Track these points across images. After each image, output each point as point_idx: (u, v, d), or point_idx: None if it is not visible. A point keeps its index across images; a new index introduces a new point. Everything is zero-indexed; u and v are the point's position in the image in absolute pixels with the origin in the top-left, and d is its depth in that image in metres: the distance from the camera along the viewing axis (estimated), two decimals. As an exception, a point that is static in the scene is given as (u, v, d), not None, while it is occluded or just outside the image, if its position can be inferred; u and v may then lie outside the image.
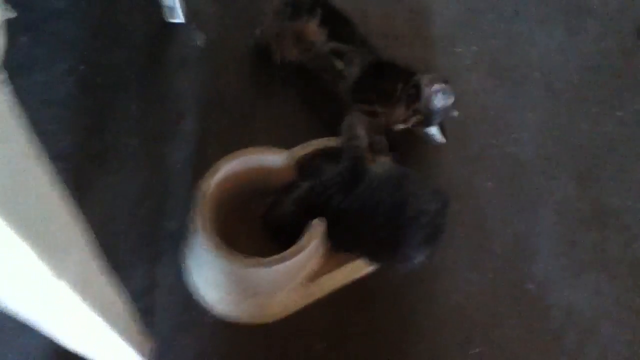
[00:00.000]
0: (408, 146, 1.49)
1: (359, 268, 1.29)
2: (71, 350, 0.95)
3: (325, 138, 1.35)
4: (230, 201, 1.27)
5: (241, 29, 1.63)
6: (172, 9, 1.60)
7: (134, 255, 1.31)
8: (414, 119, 1.42)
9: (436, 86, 1.38)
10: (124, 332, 0.96)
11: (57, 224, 0.67)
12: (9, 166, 0.52)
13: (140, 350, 1.09)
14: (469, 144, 1.52)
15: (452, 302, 1.31)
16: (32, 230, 0.56)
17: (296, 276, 1.21)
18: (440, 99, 1.38)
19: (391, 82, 1.43)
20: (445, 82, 1.39)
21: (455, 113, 1.53)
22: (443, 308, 1.30)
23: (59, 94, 1.51)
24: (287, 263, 1.12)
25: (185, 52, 1.61)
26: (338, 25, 1.50)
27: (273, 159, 1.28)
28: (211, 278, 1.21)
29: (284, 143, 1.33)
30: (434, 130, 1.45)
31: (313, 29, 1.47)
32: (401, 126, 1.43)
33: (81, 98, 1.52)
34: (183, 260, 1.28)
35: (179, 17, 1.61)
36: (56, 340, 0.88)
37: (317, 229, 1.16)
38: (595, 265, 1.37)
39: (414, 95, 1.40)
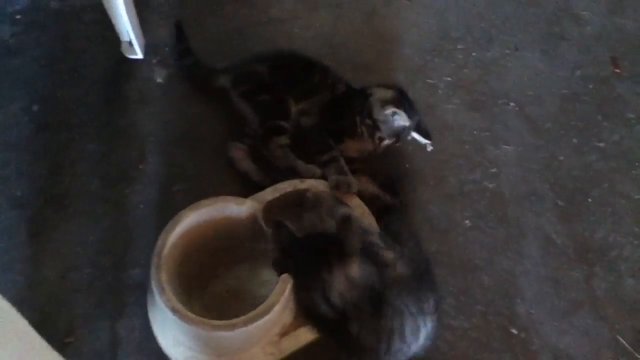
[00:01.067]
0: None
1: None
2: None
3: (291, 181, 1.29)
4: (196, 253, 1.21)
5: (207, 60, 1.55)
6: (130, 45, 1.52)
7: (97, 309, 1.24)
8: (384, 144, 1.39)
9: (388, 111, 1.34)
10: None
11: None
12: None
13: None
14: (446, 180, 1.47)
15: (436, 350, 1.24)
16: None
17: (268, 333, 1.14)
18: (398, 120, 1.35)
19: (348, 117, 1.40)
20: (396, 98, 1.37)
21: (430, 148, 1.48)
22: (427, 357, 1.22)
23: (12, 136, 1.43)
24: (258, 323, 1.06)
25: (145, 88, 1.53)
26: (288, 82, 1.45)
27: (236, 209, 1.21)
28: (175, 336, 1.14)
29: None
30: (415, 136, 1.42)
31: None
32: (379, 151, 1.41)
33: (36, 139, 1.44)
34: (149, 316, 1.20)
35: (137, 53, 1.53)
36: None
37: (285, 284, 1.11)
38: (581, 304, 1.33)
39: (372, 126, 1.37)
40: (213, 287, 1.24)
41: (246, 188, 1.31)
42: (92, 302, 1.24)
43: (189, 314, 1.06)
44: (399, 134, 1.38)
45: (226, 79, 1.47)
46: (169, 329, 1.14)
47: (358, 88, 1.46)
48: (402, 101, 1.37)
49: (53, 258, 1.26)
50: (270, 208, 1.24)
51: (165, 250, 1.11)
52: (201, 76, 1.53)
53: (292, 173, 1.34)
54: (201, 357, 1.13)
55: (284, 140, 1.38)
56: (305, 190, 1.27)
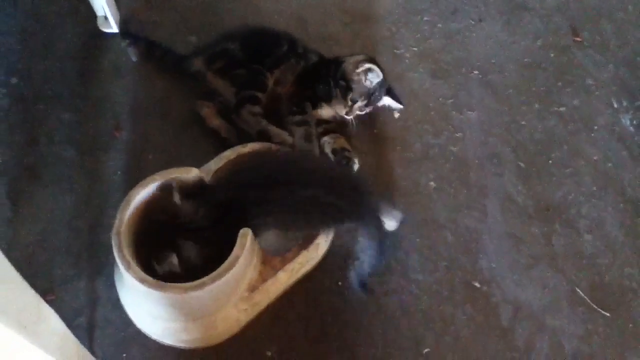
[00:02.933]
0: (354, 144, 1.49)
1: (297, 269, 1.27)
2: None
3: (237, 147, 1.32)
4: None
5: (177, 34, 1.59)
6: (105, 19, 1.55)
7: (75, 270, 1.27)
8: (356, 107, 1.43)
9: (361, 68, 1.39)
10: (56, 351, 0.91)
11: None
12: None
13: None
14: (411, 144, 1.52)
15: (401, 303, 1.30)
16: None
17: (236, 290, 1.18)
18: (371, 78, 1.39)
19: (324, 81, 1.45)
20: (369, 59, 1.42)
21: (397, 115, 1.53)
22: (393, 309, 1.29)
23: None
24: (224, 278, 1.08)
25: (120, 61, 1.57)
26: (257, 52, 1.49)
27: (185, 178, 1.21)
28: (149, 310, 1.16)
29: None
30: (386, 102, 1.47)
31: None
32: (350, 117, 1.44)
33: (14, 111, 1.47)
34: (120, 296, 1.23)
35: (112, 27, 1.56)
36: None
37: (245, 238, 1.12)
38: (541, 259, 1.39)
39: (345, 87, 1.41)
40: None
41: (217, 149, 1.34)
42: (70, 263, 1.28)
43: (159, 281, 1.07)
44: (371, 95, 1.41)
45: (199, 62, 1.50)
46: (142, 304, 1.17)
47: (331, 58, 1.50)
48: (374, 61, 1.42)
49: (31, 222, 1.30)
50: (218, 177, 1.25)
51: (123, 228, 1.12)
52: (174, 65, 1.54)
53: (264, 139, 1.38)
54: (178, 325, 1.17)
55: (257, 109, 1.41)
56: (248, 153, 1.31)
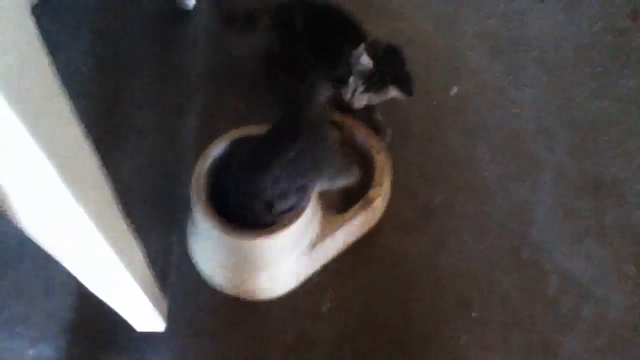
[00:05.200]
0: (411, 116, 1.54)
1: (354, 230, 1.34)
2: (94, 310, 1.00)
3: None
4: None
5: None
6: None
7: (150, 221, 1.37)
8: (358, 93, 1.39)
9: (356, 52, 1.36)
10: (142, 282, 1.01)
11: (79, 153, 0.71)
12: (40, 93, 0.57)
13: (157, 305, 1.15)
14: (468, 117, 1.57)
15: (452, 266, 1.36)
16: (59, 155, 0.60)
17: (300, 243, 1.25)
18: (363, 60, 1.35)
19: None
20: (371, 43, 1.38)
21: (455, 89, 1.59)
22: (443, 271, 1.35)
23: (79, 72, 1.57)
24: (290, 228, 1.16)
25: (197, 33, 1.66)
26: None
27: (259, 133, 1.27)
28: (218, 259, 1.25)
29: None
30: (392, 92, 1.39)
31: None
32: (361, 103, 1.42)
33: (99, 73, 1.58)
34: (189, 247, 1.33)
35: (188, 5, 1.66)
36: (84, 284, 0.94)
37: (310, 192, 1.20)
38: (590, 233, 1.42)
39: (347, 71, 1.39)
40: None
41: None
42: (147, 215, 1.37)
43: (231, 227, 1.15)
44: (368, 79, 1.37)
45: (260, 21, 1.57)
46: (211, 253, 1.25)
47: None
48: (377, 47, 1.39)
49: (113, 174, 1.38)
50: None
51: (202, 178, 1.20)
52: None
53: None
54: (244, 276, 1.25)
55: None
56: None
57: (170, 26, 1.68)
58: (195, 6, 1.69)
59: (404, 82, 1.37)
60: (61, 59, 1.57)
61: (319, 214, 1.27)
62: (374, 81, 1.37)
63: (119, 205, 0.87)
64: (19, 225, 0.73)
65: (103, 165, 0.75)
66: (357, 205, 1.31)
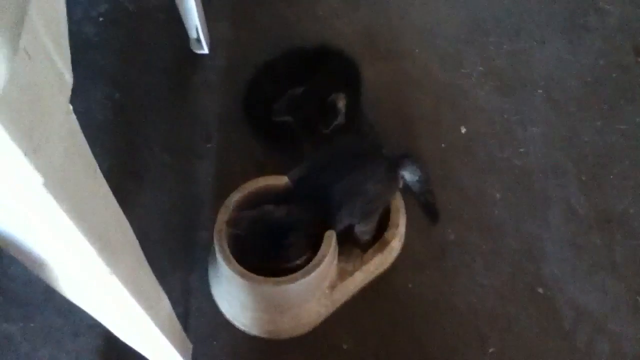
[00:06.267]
0: (422, 156, 1.57)
1: (372, 270, 1.38)
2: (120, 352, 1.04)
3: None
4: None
5: (262, 52, 1.73)
6: (197, 41, 1.71)
7: (170, 264, 1.42)
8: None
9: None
10: (167, 331, 1.05)
11: (113, 224, 0.76)
12: (76, 177, 0.62)
13: (181, 350, 1.18)
14: (477, 157, 1.61)
15: (467, 304, 1.39)
16: (93, 229, 0.65)
17: (320, 286, 1.30)
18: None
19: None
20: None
21: (464, 129, 1.63)
22: (459, 309, 1.38)
23: (97, 119, 1.63)
24: (312, 275, 1.20)
25: (210, 78, 1.72)
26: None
27: (277, 185, 1.32)
28: (242, 301, 1.29)
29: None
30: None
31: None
32: None
33: (117, 122, 1.64)
34: (212, 289, 1.38)
35: (204, 48, 1.72)
36: (111, 333, 0.98)
37: (330, 238, 1.24)
38: (602, 267, 1.45)
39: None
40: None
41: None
42: (167, 258, 1.42)
43: (255, 275, 1.19)
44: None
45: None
46: (235, 296, 1.29)
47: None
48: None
49: (133, 220, 1.44)
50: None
51: (223, 226, 1.24)
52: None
53: None
54: (266, 316, 1.30)
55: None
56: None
57: (185, 72, 1.74)
58: (210, 52, 1.75)
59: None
60: (79, 108, 1.60)
61: (335, 259, 1.31)
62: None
63: (144, 257, 0.91)
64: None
65: (125, 213, 0.79)
66: (374, 247, 1.36)
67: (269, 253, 1.21)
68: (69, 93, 0.58)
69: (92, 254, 0.65)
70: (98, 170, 0.68)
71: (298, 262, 1.20)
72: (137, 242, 0.86)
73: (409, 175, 1.39)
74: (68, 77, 0.57)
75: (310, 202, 1.24)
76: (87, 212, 0.63)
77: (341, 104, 1.49)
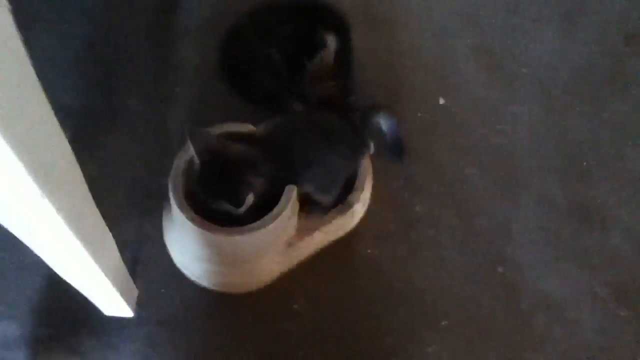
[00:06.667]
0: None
1: (332, 232, 1.35)
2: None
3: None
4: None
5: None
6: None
7: (128, 208, 1.38)
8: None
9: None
10: (111, 273, 1.01)
11: (51, 145, 0.71)
12: (7, 82, 0.57)
13: (126, 293, 1.15)
14: (457, 132, 1.57)
15: (426, 277, 1.36)
16: (24, 144, 0.60)
17: (277, 241, 1.26)
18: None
19: None
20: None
21: (442, 101, 1.59)
22: (419, 281, 1.36)
23: (65, 54, 1.57)
24: (269, 227, 1.16)
25: (190, 22, 1.67)
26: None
27: (242, 133, 1.28)
28: (194, 251, 1.25)
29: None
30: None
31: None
32: None
33: (86, 59, 1.58)
34: (164, 237, 1.34)
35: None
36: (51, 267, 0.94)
37: (291, 193, 1.20)
38: (568, 255, 1.42)
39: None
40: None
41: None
42: (125, 203, 1.39)
43: (208, 223, 1.15)
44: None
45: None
46: (187, 246, 1.24)
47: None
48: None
49: (94, 163, 1.39)
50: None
51: (181, 170, 1.20)
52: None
53: None
54: (219, 269, 1.25)
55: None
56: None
57: (165, 16, 1.69)
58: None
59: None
60: (45, 39, 1.56)
61: (295, 216, 1.27)
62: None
63: (92, 195, 0.87)
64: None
65: (84, 153, 0.75)
66: (336, 208, 1.32)
67: (218, 189, 1.14)
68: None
69: (20, 169, 0.61)
70: (37, 83, 0.63)
71: (242, 210, 1.13)
72: (79, 171, 0.82)
73: (383, 120, 1.38)
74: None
75: (273, 157, 1.20)
76: (17, 122, 0.58)
77: (331, 41, 1.45)
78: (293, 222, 1.27)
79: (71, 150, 0.76)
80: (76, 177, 0.82)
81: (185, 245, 1.26)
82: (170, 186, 1.18)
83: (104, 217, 0.95)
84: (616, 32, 1.79)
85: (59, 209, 0.72)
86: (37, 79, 0.62)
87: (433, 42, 1.71)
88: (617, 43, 1.77)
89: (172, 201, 1.18)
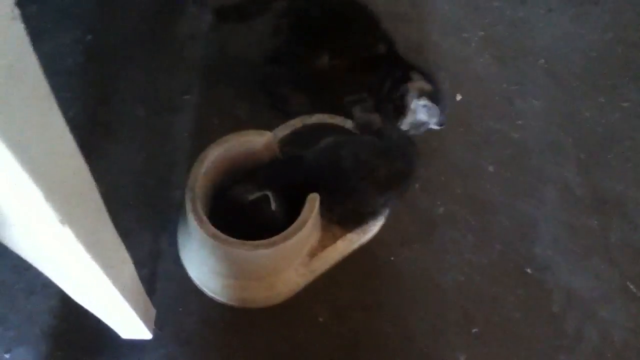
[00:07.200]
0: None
1: (355, 240, 1.29)
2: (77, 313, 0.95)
3: (304, 116, 1.35)
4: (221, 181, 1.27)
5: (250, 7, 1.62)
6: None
7: (140, 223, 1.32)
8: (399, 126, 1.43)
9: (421, 101, 1.38)
10: (129, 294, 0.96)
11: (68, 167, 0.66)
12: (23, 104, 0.52)
13: (143, 316, 1.09)
14: (473, 128, 1.53)
15: (453, 282, 1.31)
16: (41, 170, 0.55)
17: (299, 253, 1.21)
18: (426, 113, 1.39)
19: (380, 87, 1.45)
20: (434, 94, 1.40)
21: (459, 97, 1.54)
22: (445, 286, 1.31)
23: (67, 64, 1.51)
24: (291, 240, 1.11)
25: (194, 27, 1.61)
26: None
27: (259, 141, 1.26)
28: (213, 266, 1.19)
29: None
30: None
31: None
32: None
33: (89, 68, 1.52)
34: (180, 252, 1.28)
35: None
36: (66, 293, 0.89)
37: (313, 202, 1.15)
38: (595, 251, 1.38)
39: (401, 107, 1.41)
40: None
41: (282, 115, 1.39)
42: (136, 216, 1.32)
43: (229, 237, 1.10)
44: (417, 127, 1.43)
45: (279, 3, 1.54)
46: (206, 260, 1.19)
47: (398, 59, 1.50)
48: (438, 97, 1.42)
49: (100, 175, 1.33)
50: (283, 142, 1.30)
51: (198, 183, 1.15)
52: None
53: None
54: (239, 283, 1.20)
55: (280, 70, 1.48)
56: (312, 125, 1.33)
57: (167, 19, 1.63)
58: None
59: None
60: (47, 50, 1.51)
61: (319, 224, 1.21)
62: (415, 127, 1.43)
63: (108, 213, 0.82)
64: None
65: (91, 165, 0.70)
66: (358, 215, 1.26)
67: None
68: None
69: (39, 197, 0.56)
70: (53, 101, 0.59)
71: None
72: (97, 193, 0.76)
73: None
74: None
75: (291, 170, 1.15)
76: (33, 146, 0.53)
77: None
78: (316, 232, 1.21)
79: (91, 176, 0.70)
80: (96, 202, 0.76)
81: (204, 261, 1.20)
82: (187, 201, 1.12)
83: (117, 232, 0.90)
84: (630, 18, 1.75)
85: (79, 235, 0.67)
86: (55, 102, 0.56)
87: (444, 37, 1.66)
88: (631, 30, 1.73)
89: (190, 217, 1.12)
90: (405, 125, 1.42)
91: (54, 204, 0.59)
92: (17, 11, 0.48)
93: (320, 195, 1.17)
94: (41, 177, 0.55)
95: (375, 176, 1.20)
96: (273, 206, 1.14)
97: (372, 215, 1.29)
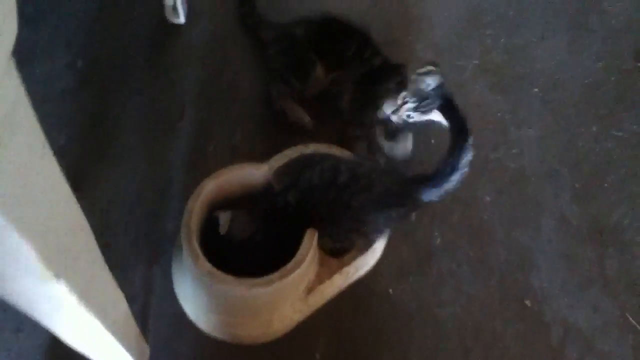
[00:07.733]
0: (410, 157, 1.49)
1: (352, 273, 1.27)
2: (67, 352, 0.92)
3: (300, 146, 1.31)
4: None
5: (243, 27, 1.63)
6: (173, 9, 1.57)
7: (132, 255, 1.29)
8: (405, 108, 1.36)
9: (422, 69, 1.31)
10: (122, 336, 0.93)
11: (63, 218, 0.64)
12: (16, 161, 0.50)
13: (137, 356, 1.06)
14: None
15: (451, 314, 1.30)
16: (34, 230, 0.53)
17: (297, 290, 1.18)
18: (429, 80, 1.30)
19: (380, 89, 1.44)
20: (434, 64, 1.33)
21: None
22: (443, 319, 1.29)
23: (58, 89, 1.48)
24: (289, 278, 1.07)
25: (189, 51, 1.59)
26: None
27: (255, 173, 1.23)
28: (208, 304, 1.17)
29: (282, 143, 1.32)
30: (436, 117, 1.35)
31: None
32: (396, 119, 1.40)
33: (79, 93, 1.49)
34: (175, 287, 1.25)
35: (180, 18, 1.58)
36: (56, 335, 0.85)
37: (311, 237, 1.12)
38: (593, 282, 1.37)
39: (400, 83, 1.37)
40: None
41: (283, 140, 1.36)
42: (128, 247, 1.29)
43: (226, 275, 1.06)
44: (423, 99, 1.34)
45: (267, 35, 1.57)
46: (201, 297, 1.16)
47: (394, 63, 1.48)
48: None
49: (90, 204, 1.31)
50: (279, 173, 1.25)
51: (193, 219, 1.11)
52: (251, 23, 1.63)
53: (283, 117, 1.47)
54: (234, 320, 1.18)
55: (284, 89, 1.47)
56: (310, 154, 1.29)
57: (158, 43, 1.61)
58: (187, 22, 1.62)
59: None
60: (38, 74, 1.49)
61: (317, 258, 1.19)
62: (427, 102, 1.32)
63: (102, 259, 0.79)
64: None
65: (82, 194, 0.67)
66: (355, 249, 1.24)
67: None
68: (11, 47, 0.45)
69: (31, 256, 0.53)
70: (47, 146, 0.56)
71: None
72: (94, 240, 0.73)
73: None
74: (10, 26, 0.44)
75: (288, 201, 1.13)
76: (27, 201, 0.51)
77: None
78: (313, 267, 1.19)
79: (90, 231, 0.68)
80: (94, 256, 0.74)
81: (198, 296, 1.17)
82: (183, 238, 1.09)
83: (107, 265, 0.86)
84: (625, 47, 1.75)
85: (73, 289, 0.65)
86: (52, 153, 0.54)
87: (436, 61, 1.64)
88: (626, 58, 1.73)
89: (185, 250, 1.09)
90: (410, 99, 1.35)
91: (47, 261, 0.57)
92: (12, 62, 0.46)
93: (315, 215, 1.14)
94: (34, 233, 0.53)
95: (373, 192, 1.17)
96: (222, 229, 1.11)
97: (370, 235, 1.26)
